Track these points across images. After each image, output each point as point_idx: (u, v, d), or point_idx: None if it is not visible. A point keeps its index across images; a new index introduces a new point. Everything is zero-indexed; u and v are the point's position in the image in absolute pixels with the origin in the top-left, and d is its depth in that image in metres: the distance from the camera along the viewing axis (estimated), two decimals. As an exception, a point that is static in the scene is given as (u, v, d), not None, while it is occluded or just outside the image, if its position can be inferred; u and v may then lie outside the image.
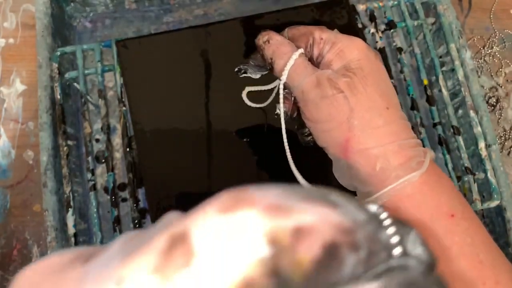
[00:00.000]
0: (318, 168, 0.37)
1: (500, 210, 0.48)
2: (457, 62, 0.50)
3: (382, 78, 0.31)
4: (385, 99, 0.31)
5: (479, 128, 0.48)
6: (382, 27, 0.52)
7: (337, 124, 0.30)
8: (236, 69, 0.42)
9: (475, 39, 0.59)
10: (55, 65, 0.47)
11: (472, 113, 0.48)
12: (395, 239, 0.14)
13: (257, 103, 0.45)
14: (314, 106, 0.30)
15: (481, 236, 0.31)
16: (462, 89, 0.49)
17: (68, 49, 0.48)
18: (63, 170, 0.45)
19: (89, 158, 0.46)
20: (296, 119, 0.38)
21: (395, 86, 0.50)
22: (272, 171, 0.42)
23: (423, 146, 0.41)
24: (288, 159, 0.36)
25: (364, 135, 0.30)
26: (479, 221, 0.32)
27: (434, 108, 0.49)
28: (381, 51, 0.51)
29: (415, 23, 0.51)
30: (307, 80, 0.32)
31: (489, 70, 0.58)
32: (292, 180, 0.37)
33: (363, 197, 0.31)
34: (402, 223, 0.14)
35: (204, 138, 0.44)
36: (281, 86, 0.36)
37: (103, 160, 0.50)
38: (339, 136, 0.30)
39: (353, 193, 0.34)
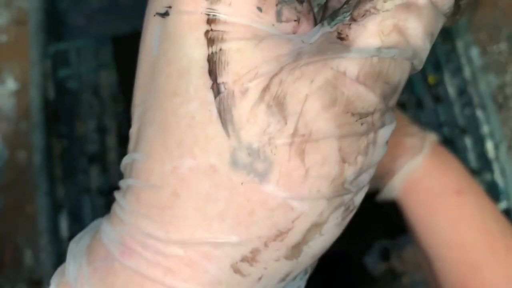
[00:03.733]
0: None
1: (507, 212, 0.47)
2: (463, 60, 0.49)
3: None
4: None
5: (486, 128, 0.47)
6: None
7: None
8: None
9: (482, 36, 0.58)
10: (49, 63, 0.46)
11: (479, 112, 0.47)
12: None
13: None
14: None
15: (489, 208, 0.33)
16: (469, 87, 0.48)
17: (61, 46, 0.47)
18: (56, 171, 0.44)
19: (83, 159, 0.45)
20: None
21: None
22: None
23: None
24: None
25: None
26: (486, 197, 0.34)
27: (440, 107, 0.48)
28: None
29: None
30: None
31: (496, 67, 0.57)
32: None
33: (382, 191, 0.34)
34: None
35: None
36: None
37: (98, 161, 0.49)
38: None
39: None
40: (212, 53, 0.13)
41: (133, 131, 0.15)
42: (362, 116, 0.13)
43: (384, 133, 0.14)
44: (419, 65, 0.14)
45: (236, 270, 0.13)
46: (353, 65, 0.13)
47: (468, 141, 0.47)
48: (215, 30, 0.13)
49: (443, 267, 0.32)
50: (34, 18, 0.47)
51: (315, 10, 0.14)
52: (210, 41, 0.13)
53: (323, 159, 0.13)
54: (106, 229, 0.15)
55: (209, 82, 0.13)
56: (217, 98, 0.13)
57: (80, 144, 0.45)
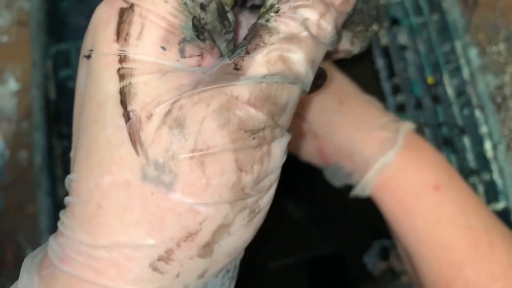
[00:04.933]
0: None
1: (506, 212, 0.47)
2: (462, 60, 0.49)
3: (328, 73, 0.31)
4: (336, 94, 0.31)
5: (485, 128, 0.47)
6: (386, 24, 0.50)
7: (305, 140, 0.30)
8: None
9: (480, 36, 0.58)
10: (50, 63, 0.46)
11: (477, 113, 0.47)
12: None
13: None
14: None
15: (471, 203, 0.31)
16: (467, 87, 0.48)
17: (63, 46, 0.47)
18: (57, 171, 0.44)
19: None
20: None
21: (398, 85, 0.49)
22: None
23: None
24: None
25: (330, 136, 0.30)
26: (468, 189, 0.32)
27: (438, 107, 0.48)
28: (385, 49, 0.50)
29: (419, 20, 0.50)
30: None
31: (494, 68, 0.57)
32: (291, 177, 0.36)
33: (355, 188, 0.31)
34: None
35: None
36: None
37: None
38: (311, 148, 0.31)
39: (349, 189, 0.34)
40: (123, 86, 0.15)
41: (71, 155, 0.17)
42: (254, 132, 0.15)
43: (277, 145, 0.16)
44: (306, 87, 0.17)
45: (155, 269, 0.16)
46: (245, 90, 0.15)
47: (467, 141, 0.47)
48: (126, 68, 0.15)
49: (424, 266, 0.31)
50: (35, 18, 0.48)
51: (224, 45, 0.17)
52: (122, 77, 0.15)
53: (221, 169, 0.15)
54: (51, 243, 0.17)
55: (121, 111, 0.15)
56: (128, 123, 0.15)
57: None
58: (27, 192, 0.50)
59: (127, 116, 0.15)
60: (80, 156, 0.16)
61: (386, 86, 0.53)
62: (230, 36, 0.17)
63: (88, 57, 0.16)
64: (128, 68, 0.15)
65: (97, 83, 0.16)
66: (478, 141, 0.48)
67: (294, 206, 0.42)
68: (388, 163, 0.30)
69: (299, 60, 0.16)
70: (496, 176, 0.46)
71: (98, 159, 0.15)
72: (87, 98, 0.16)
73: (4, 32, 0.54)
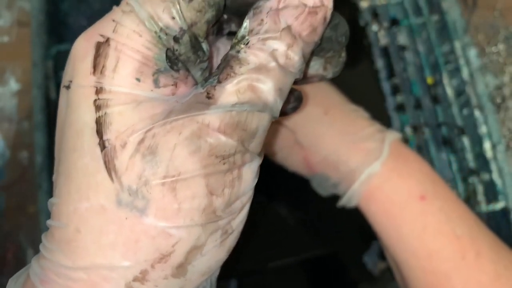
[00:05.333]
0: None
1: (505, 212, 0.47)
2: (461, 61, 0.49)
3: (311, 86, 0.29)
4: (321, 105, 0.31)
5: (484, 128, 0.47)
6: (385, 24, 0.51)
7: (289, 149, 0.30)
8: None
9: (480, 37, 0.58)
10: (50, 64, 0.46)
11: (477, 113, 0.47)
12: None
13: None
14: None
15: (457, 212, 0.31)
16: (467, 88, 0.48)
17: (63, 47, 0.47)
18: (58, 171, 0.44)
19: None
20: None
21: (397, 86, 0.49)
22: (269, 168, 0.41)
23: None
24: None
25: (315, 146, 0.30)
26: (455, 198, 0.32)
27: (438, 107, 0.48)
28: (385, 49, 0.50)
29: (419, 20, 0.50)
30: None
31: (493, 68, 0.57)
32: (291, 177, 0.36)
33: (342, 199, 0.32)
34: None
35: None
36: None
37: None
38: (297, 158, 0.31)
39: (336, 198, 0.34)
40: (99, 116, 0.16)
41: (53, 179, 0.18)
42: (224, 157, 0.16)
43: (248, 169, 0.17)
44: (275, 114, 0.17)
45: None
46: (216, 118, 0.16)
47: (466, 141, 0.47)
48: (102, 99, 0.16)
49: (411, 275, 0.30)
50: (36, 19, 0.48)
51: (199, 73, 0.17)
52: (98, 107, 0.16)
53: (193, 194, 0.16)
54: (33, 265, 0.18)
55: (97, 140, 0.16)
56: (103, 152, 0.16)
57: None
58: (27, 192, 0.50)
59: (102, 145, 0.16)
60: (60, 181, 0.17)
61: (386, 86, 0.53)
62: (205, 64, 0.17)
63: (68, 87, 0.17)
64: (104, 99, 0.16)
65: (75, 113, 0.16)
66: (477, 141, 0.48)
67: (294, 206, 0.42)
68: (374, 173, 0.30)
69: (268, 89, 0.16)
70: (495, 176, 0.46)
71: (76, 185, 0.16)
72: (66, 126, 0.17)
73: (5, 32, 0.54)
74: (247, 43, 0.17)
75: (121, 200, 0.16)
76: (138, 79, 0.16)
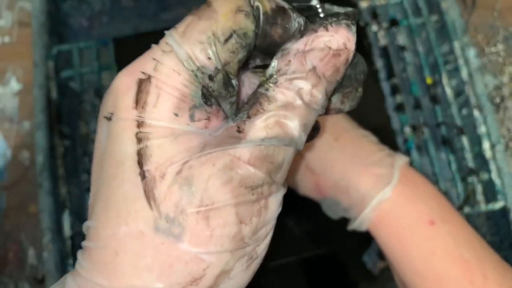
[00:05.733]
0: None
1: (504, 212, 0.47)
2: (461, 61, 0.49)
3: None
4: (331, 131, 0.32)
5: (483, 128, 0.47)
6: (385, 24, 0.51)
7: (301, 174, 0.31)
8: None
9: (479, 37, 0.58)
10: (51, 64, 0.47)
11: (476, 113, 0.48)
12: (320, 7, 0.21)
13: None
14: None
15: (464, 236, 0.32)
16: (466, 88, 0.48)
17: (64, 47, 0.47)
18: (59, 170, 0.45)
19: (86, 159, 0.45)
20: None
21: (397, 86, 0.49)
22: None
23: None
24: None
25: (326, 172, 0.31)
26: (462, 221, 0.32)
27: (438, 107, 0.48)
28: (384, 49, 0.50)
29: (418, 21, 0.50)
30: None
31: (493, 68, 0.57)
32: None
33: (352, 222, 0.32)
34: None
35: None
36: None
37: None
38: (308, 183, 0.32)
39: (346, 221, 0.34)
40: (140, 148, 0.17)
41: (90, 203, 0.19)
42: (253, 188, 0.17)
43: (274, 199, 0.18)
44: (299, 147, 0.19)
45: None
46: (246, 152, 0.17)
47: (465, 141, 0.47)
48: (143, 132, 0.17)
49: None
50: (37, 19, 0.48)
51: (228, 106, 0.19)
52: (139, 140, 0.17)
53: (224, 222, 0.17)
54: (68, 282, 0.18)
55: (138, 170, 0.17)
56: (143, 181, 0.17)
57: (82, 144, 0.46)
58: (28, 192, 0.50)
59: (143, 175, 0.17)
60: (99, 206, 0.18)
61: (385, 86, 0.53)
62: (234, 99, 0.19)
63: (109, 119, 0.18)
64: (145, 132, 0.17)
65: (116, 144, 0.17)
66: (476, 141, 0.48)
67: (294, 206, 0.42)
68: (385, 199, 0.31)
69: (294, 125, 0.18)
70: (494, 176, 0.46)
71: (115, 211, 0.17)
72: (107, 155, 0.18)
73: (6, 33, 0.54)
74: (276, 82, 0.18)
75: (158, 227, 0.17)
76: (176, 114, 0.17)
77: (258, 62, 0.21)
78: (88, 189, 0.44)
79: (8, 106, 0.52)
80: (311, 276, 0.43)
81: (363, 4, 0.50)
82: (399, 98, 0.48)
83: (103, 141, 0.18)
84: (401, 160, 0.32)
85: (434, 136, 0.48)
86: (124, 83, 0.18)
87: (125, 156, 0.17)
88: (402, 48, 0.49)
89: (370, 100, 0.45)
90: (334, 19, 0.18)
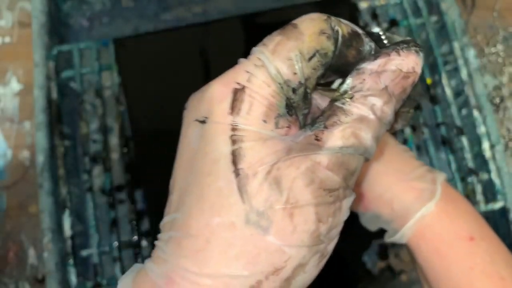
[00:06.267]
0: None
1: (503, 212, 0.47)
2: (460, 61, 0.49)
3: None
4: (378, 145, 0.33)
5: (483, 128, 0.47)
6: (385, 25, 0.51)
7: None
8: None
9: (479, 37, 0.58)
10: (52, 64, 0.47)
11: (475, 113, 0.48)
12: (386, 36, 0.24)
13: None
14: None
15: (501, 253, 0.33)
16: (466, 88, 0.48)
17: (64, 47, 0.48)
18: (59, 170, 0.45)
19: (86, 159, 0.45)
20: None
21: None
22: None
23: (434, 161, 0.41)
24: None
25: (371, 184, 0.32)
26: (497, 240, 0.34)
27: (437, 107, 0.48)
28: (383, 50, 0.50)
29: (418, 21, 0.50)
30: None
31: (492, 69, 0.57)
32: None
33: (392, 234, 0.34)
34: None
35: (203, 138, 0.44)
36: None
37: (100, 161, 0.49)
38: None
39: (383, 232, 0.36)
40: (234, 149, 0.19)
41: (173, 198, 0.21)
42: (331, 191, 0.20)
43: (346, 202, 0.21)
44: (370, 157, 0.21)
45: None
46: (325, 158, 0.19)
47: (465, 141, 0.47)
48: (237, 135, 0.19)
49: None
50: (37, 20, 0.48)
51: (300, 118, 0.21)
52: (233, 142, 0.19)
53: (305, 220, 0.19)
54: (151, 268, 0.20)
55: (232, 168, 0.19)
56: (237, 178, 0.19)
57: (82, 144, 0.46)
58: (29, 192, 0.50)
59: (237, 173, 0.19)
60: (191, 200, 0.20)
61: (385, 87, 0.53)
62: (307, 110, 0.22)
63: (203, 122, 0.20)
64: (239, 135, 0.19)
65: (211, 145, 0.20)
66: (476, 141, 0.48)
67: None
68: (427, 213, 0.32)
69: (368, 137, 0.20)
70: (494, 176, 0.46)
71: (209, 203, 0.19)
72: (201, 154, 0.20)
73: (7, 33, 0.55)
74: (352, 97, 0.20)
75: (249, 219, 0.19)
76: (264, 121, 0.20)
77: (321, 80, 0.23)
78: (89, 189, 0.45)
79: (9, 106, 0.53)
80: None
81: (363, 5, 0.50)
82: (398, 98, 0.48)
83: (194, 142, 0.20)
84: (441, 176, 0.34)
85: (433, 136, 0.48)
86: (219, 91, 0.20)
87: (220, 155, 0.19)
88: (401, 49, 0.49)
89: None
90: (405, 45, 0.21)
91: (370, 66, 0.21)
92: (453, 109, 0.48)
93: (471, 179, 0.46)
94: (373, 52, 0.22)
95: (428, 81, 0.49)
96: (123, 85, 0.45)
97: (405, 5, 0.50)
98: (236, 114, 0.20)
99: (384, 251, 0.50)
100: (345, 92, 0.20)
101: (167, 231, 0.21)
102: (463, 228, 0.32)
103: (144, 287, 0.20)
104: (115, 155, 0.50)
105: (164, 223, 0.21)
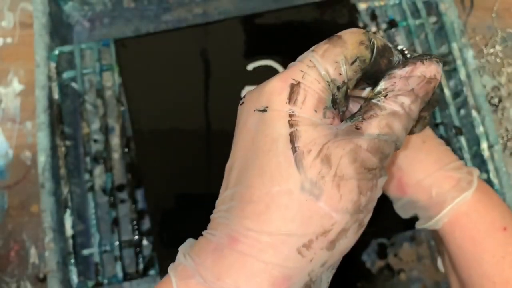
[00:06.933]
0: None
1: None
2: (459, 62, 0.49)
3: None
4: (420, 135, 0.35)
5: (481, 128, 0.48)
6: (384, 26, 0.51)
7: (387, 169, 0.34)
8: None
9: (477, 38, 0.59)
10: (53, 65, 0.47)
11: (474, 113, 0.48)
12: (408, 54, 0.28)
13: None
14: None
15: None
16: (464, 88, 0.49)
17: (66, 48, 0.48)
18: (61, 170, 0.45)
19: (87, 159, 0.45)
20: None
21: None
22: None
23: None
24: None
25: (412, 170, 0.35)
26: None
27: (436, 107, 0.48)
28: (383, 50, 0.50)
29: (417, 22, 0.51)
30: None
31: (491, 69, 0.58)
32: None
33: (426, 221, 0.35)
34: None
35: (203, 138, 0.44)
36: None
37: (101, 161, 0.49)
38: (392, 178, 0.35)
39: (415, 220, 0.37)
40: (292, 131, 0.23)
41: (232, 176, 0.25)
42: (370, 170, 0.23)
43: (381, 181, 0.24)
44: (400, 145, 0.25)
45: (299, 252, 0.23)
46: (365, 142, 0.23)
47: (463, 141, 0.48)
48: (294, 120, 0.23)
49: None
50: (38, 20, 0.48)
51: (341, 113, 0.25)
52: (291, 125, 0.23)
53: (349, 191, 0.23)
54: (212, 233, 0.24)
55: (290, 146, 0.23)
56: (294, 154, 0.23)
57: (84, 144, 0.46)
58: (30, 192, 0.50)
59: (294, 150, 0.23)
60: (252, 173, 0.23)
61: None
62: (345, 108, 0.26)
63: (263, 111, 0.24)
64: (295, 120, 0.23)
65: (271, 127, 0.23)
66: (475, 141, 0.48)
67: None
68: (464, 201, 0.34)
69: (399, 127, 0.24)
70: (492, 176, 0.46)
71: (270, 175, 0.23)
72: (261, 136, 0.24)
73: (8, 34, 0.55)
74: (386, 95, 0.24)
75: (304, 187, 0.22)
76: (315, 111, 0.24)
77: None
78: (90, 189, 0.45)
79: (10, 107, 0.53)
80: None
81: (362, 6, 0.50)
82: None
83: (254, 127, 0.24)
84: (476, 171, 0.36)
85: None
86: (278, 85, 0.24)
87: (279, 135, 0.23)
88: (400, 49, 0.50)
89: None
90: (428, 57, 0.25)
91: (400, 72, 0.25)
92: (452, 110, 0.48)
93: (470, 179, 0.46)
94: (401, 62, 0.26)
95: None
96: (124, 86, 0.45)
97: (404, 6, 0.51)
98: (293, 103, 0.23)
99: (383, 250, 0.51)
100: (379, 92, 0.25)
101: (227, 203, 0.24)
102: (497, 219, 0.34)
103: (206, 249, 0.24)
104: (116, 155, 0.51)
105: (222, 197, 0.25)
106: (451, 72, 0.51)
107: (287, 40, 0.46)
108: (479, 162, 0.48)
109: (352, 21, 0.47)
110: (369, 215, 0.24)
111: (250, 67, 0.45)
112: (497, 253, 0.34)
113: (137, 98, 0.44)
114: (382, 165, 0.24)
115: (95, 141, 0.51)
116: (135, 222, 0.44)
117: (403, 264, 0.50)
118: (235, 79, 0.45)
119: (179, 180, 0.43)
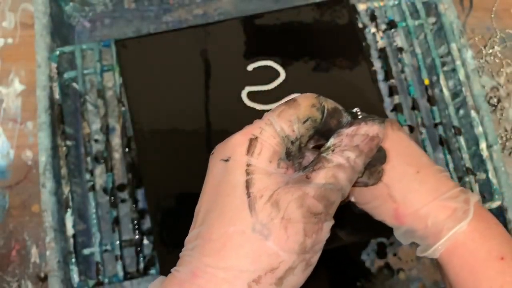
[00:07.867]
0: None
1: (501, 211, 0.48)
2: (458, 62, 0.50)
3: (405, 145, 0.36)
4: (414, 164, 0.36)
5: (480, 128, 0.48)
6: (383, 26, 0.51)
7: (382, 200, 0.35)
8: None
9: (476, 38, 0.59)
10: (54, 65, 0.47)
11: (473, 113, 0.48)
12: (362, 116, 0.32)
13: (257, 103, 0.45)
14: (358, 193, 0.36)
15: None
16: (463, 89, 0.49)
17: (67, 48, 0.48)
18: (62, 170, 0.45)
19: (88, 159, 0.46)
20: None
21: (395, 87, 0.49)
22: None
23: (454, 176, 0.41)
24: None
25: (407, 200, 0.35)
26: None
27: (435, 108, 0.48)
28: (382, 51, 0.51)
29: (416, 22, 0.51)
30: None
31: (490, 70, 0.58)
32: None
33: (425, 249, 0.36)
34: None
35: (203, 138, 0.44)
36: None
37: (102, 161, 0.50)
38: (388, 208, 0.36)
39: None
40: (247, 179, 0.26)
41: (199, 217, 0.27)
42: (315, 214, 0.26)
43: (327, 225, 0.27)
44: (345, 194, 0.28)
45: (249, 287, 0.25)
46: (312, 190, 0.26)
47: (462, 141, 0.48)
48: (250, 169, 0.26)
49: None
50: (39, 21, 0.48)
51: (296, 164, 0.29)
52: (247, 173, 0.26)
53: (295, 233, 0.25)
54: (178, 269, 0.27)
55: (245, 191, 0.26)
56: (249, 199, 0.26)
57: (85, 144, 0.46)
58: (31, 191, 0.50)
59: (248, 195, 0.26)
60: (214, 215, 0.26)
61: (383, 87, 0.54)
62: (301, 160, 0.30)
63: (226, 160, 0.27)
64: (251, 169, 0.26)
65: (232, 175, 0.27)
66: (473, 141, 0.48)
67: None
68: (461, 231, 0.34)
69: (343, 178, 0.27)
70: (491, 176, 0.47)
71: (228, 217, 0.26)
72: (223, 182, 0.27)
73: (9, 34, 0.55)
74: (333, 150, 0.28)
75: (255, 228, 0.25)
76: (270, 161, 0.27)
77: (311, 143, 0.32)
78: (90, 189, 0.45)
79: (11, 107, 0.53)
80: (310, 274, 0.43)
81: (362, 6, 0.50)
82: (396, 99, 0.49)
83: (218, 175, 0.27)
84: (474, 197, 0.36)
85: (431, 136, 0.49)
86: (240, 139, 0.27)
87: (238, 182, 0.26)
88: (400, 50, 0.50)
89: (368, 101, 0.46)
90: (371, 119, 0.29)
91: (347, 130, 0.28)
92: (451, 110, 0.48)
93: (469, 178, 0.47)
94: (348, 123, 0.29)
95: (426, 81, 0.49)
96: (124, 86, 0.45)
97: (403, 6, 0.51)
98: (250, 155, 0.27)
99: (383, 249, 0.51)
100: (329, 147, 0.28)
101: (193, 242, 0.27)
102: (494, 248, 0.34)
103: (172, 285, 0.26)
104: (117, 155, 0.51)
105: (189, 236, 0.28)
106: (450, 72, 0.51)
107: (287, 41, 0.47)
108: (478, 162, 0.48)
109: (351, 22, 0.47)
110: (317, 256, 0.27)
111: (250, 67, 0.46)
112: (494, 283, 0.34)
113: (138, 98, 0.45)
114: (327, 211, 0.27)
115: (96, 141, 0.51)
116: (135, 222, 0.45)
117: (402, 264, 0.50)
118: (235, 80, 0.45)
119: (179, 179, 0.43)
